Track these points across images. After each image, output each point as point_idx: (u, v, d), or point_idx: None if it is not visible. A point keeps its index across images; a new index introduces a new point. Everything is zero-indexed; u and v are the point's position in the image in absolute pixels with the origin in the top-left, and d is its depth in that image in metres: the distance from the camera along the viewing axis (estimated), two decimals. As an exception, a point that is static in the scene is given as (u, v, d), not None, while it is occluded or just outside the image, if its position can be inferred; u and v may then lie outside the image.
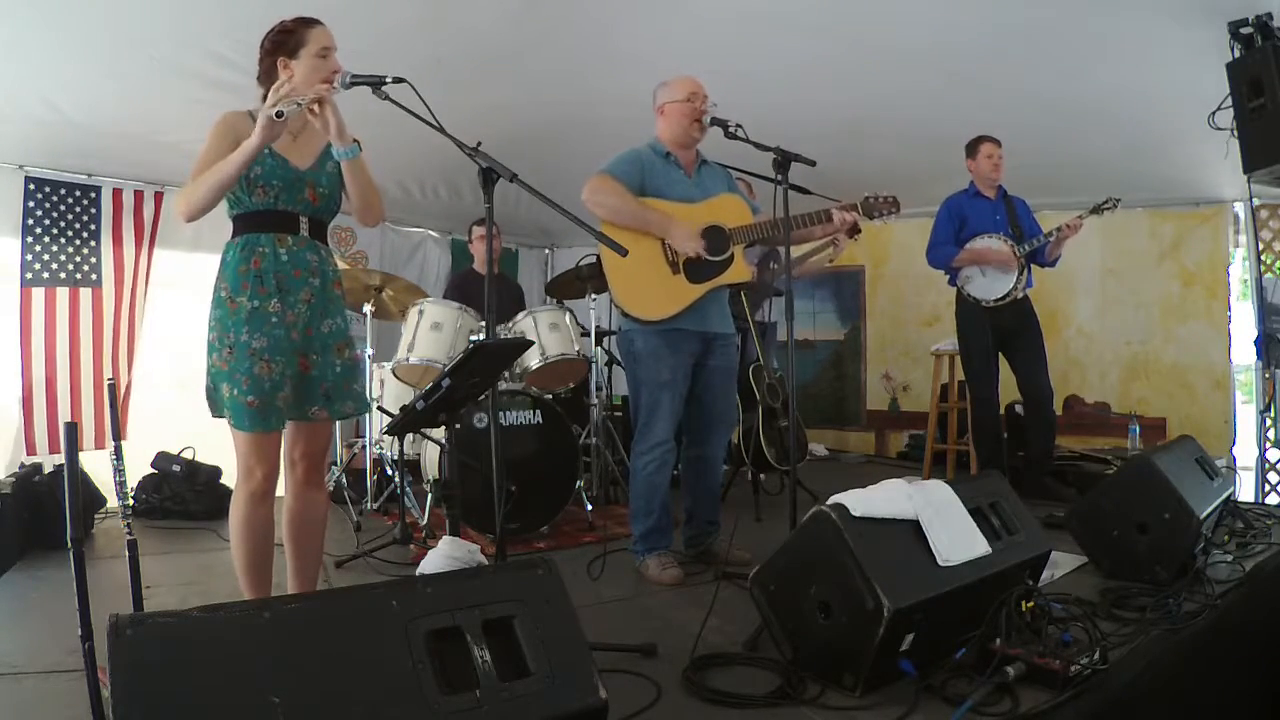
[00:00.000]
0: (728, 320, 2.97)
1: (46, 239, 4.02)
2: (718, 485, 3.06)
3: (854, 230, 4.28)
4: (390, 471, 4.06)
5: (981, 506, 2.05)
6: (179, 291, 4.35)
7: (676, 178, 2.85)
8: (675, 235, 2.72)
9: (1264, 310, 4.15)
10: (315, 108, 1.95)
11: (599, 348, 4.30)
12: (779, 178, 2.59)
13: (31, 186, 4.00)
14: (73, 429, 1.63)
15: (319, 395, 2.09)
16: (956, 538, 1.90)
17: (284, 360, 2.01)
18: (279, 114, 1.84)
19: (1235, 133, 3.39)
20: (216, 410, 2.06)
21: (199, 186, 1.93)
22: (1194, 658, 2.00)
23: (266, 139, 1.90)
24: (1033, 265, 4.03)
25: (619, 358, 4.25)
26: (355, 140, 2.05)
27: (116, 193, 4.26)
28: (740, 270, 2.83)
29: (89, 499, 3.59)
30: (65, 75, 3.35)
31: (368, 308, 4.03)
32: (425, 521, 3.56)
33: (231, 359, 1.97)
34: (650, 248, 2.75)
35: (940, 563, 1.83)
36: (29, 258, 3.97)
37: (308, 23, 2.06)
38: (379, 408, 3.91)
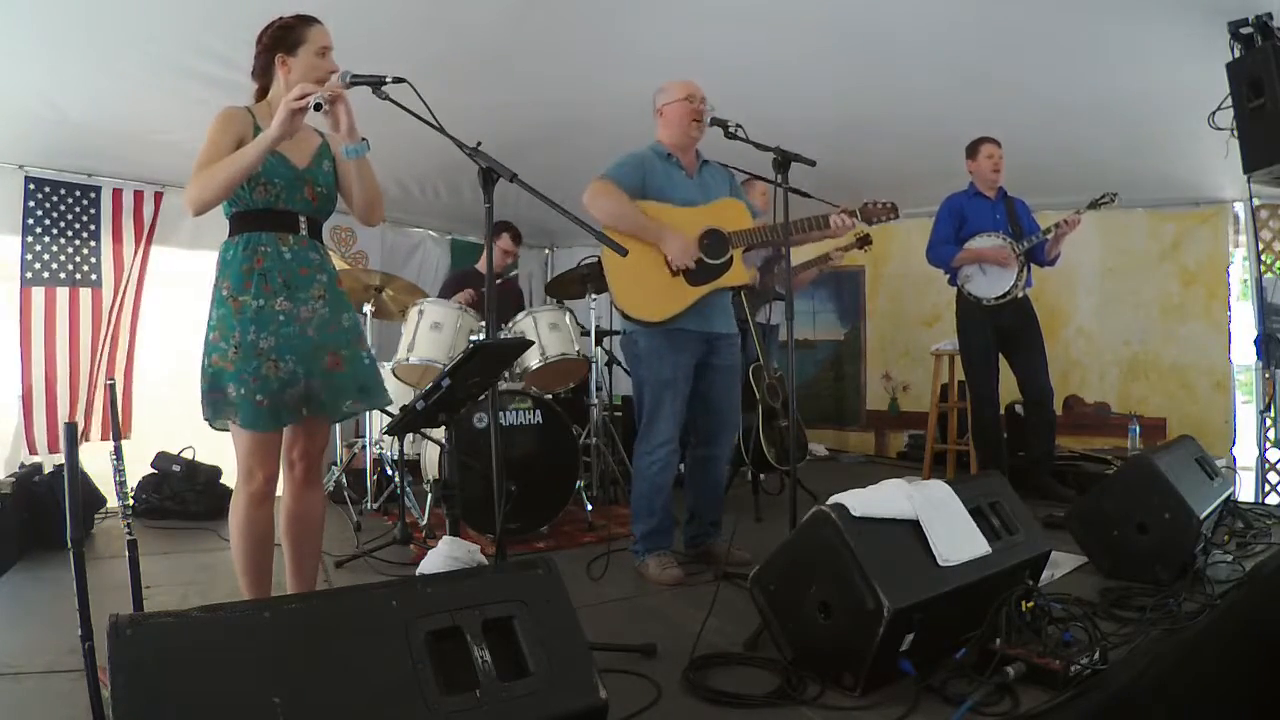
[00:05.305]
0: (730, 320, 2.98)
1: (46, 239, 4.02)
2: (722, 486, 3.07)
3: (864, 241, 4.36)
4: (390, 471, 4.06)
5: (981, 506, 2.05)
6: (178, 291, 4.35)
7: (679, 179, 2.85)
8: (670, 247, 2.72)
9: (1264, 310, 4.14)
10: (328, 104, 1.94)
11: (599, 348, 4.30)
12: (779, 178, 2.60)
13: (31, 186, 4.00)
14: (73, 429, 1.63)
15: (354, 390, 2.10)
16: (956, 538, 1.90)
17: (295, 359, 2.00)
18: (317, 106, 1.84)
19: (1235, 133, 3.39)
20: (210, 411, 2.02)
21: (213, 177, 1.89)
22: (1194, 658, 2.00)
23: (289, 130, 1.87)
24: (1033, 265, 4.03)
25: (621, 358, 4.25)
26: (364, 138, 2.04)
27: (116, 193, 4.25)
28: (739, 274, 2.84)
29: (89, 499, 3.59)
30: (65, 75, 3.35)
31: (368, 308, 4.03)
32: (425, 521, 3.56)
33: (238, 358, 1.95)
34: (650, 250, 2.75)
35: (940, 563, 1.83)
36: (29, 257, 3.98)
37: (308, 21, 2.06)
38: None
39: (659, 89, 2.90)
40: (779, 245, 2.70)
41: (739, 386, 3.07)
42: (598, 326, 4.21)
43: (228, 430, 2.05)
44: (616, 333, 3.63)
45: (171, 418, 4.17)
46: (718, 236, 2.80)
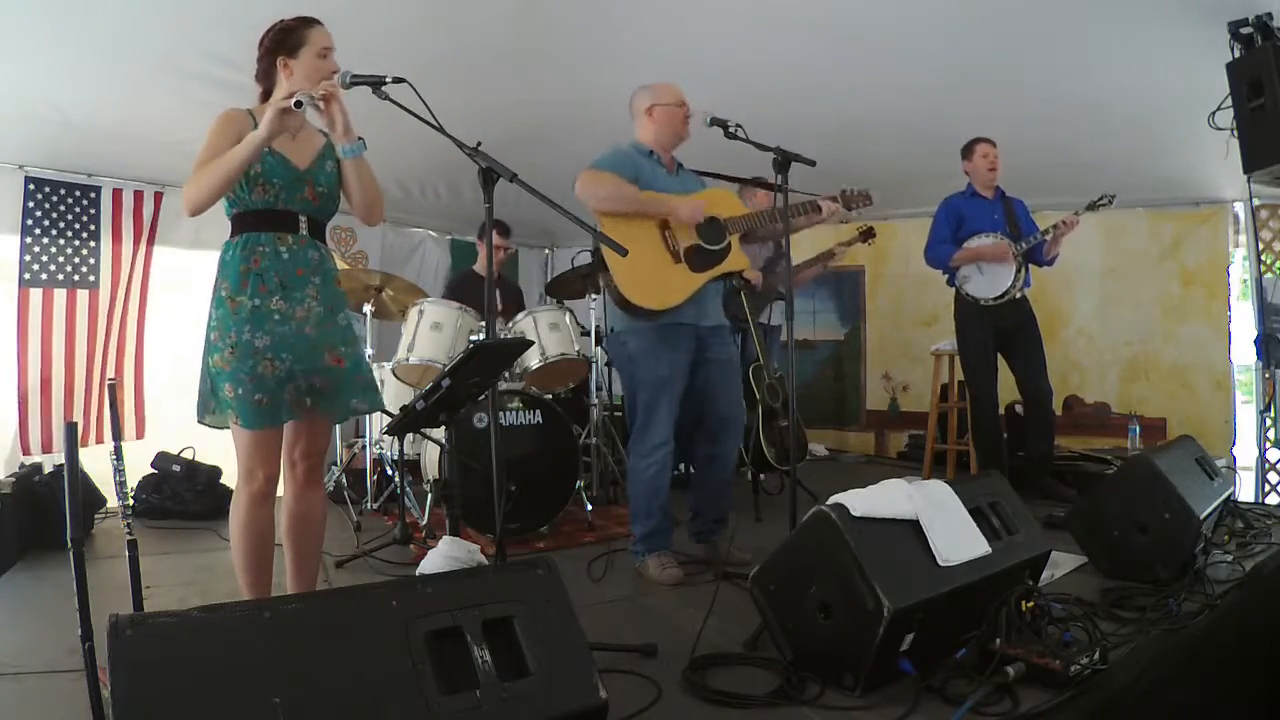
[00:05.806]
0: (720, 312, 2.99)
1: (45, 239, 4.02)
2: (729, 484, 3.06)
3: (868, 235, 4.39)
4: (390, 471, 4.06)
5: (981, 506, 2.05)
6: (178, 291, 4.35)
7: (661, 174, 2.88)
8: (678, 209, 2.76)
9: (1264, 310, 4.14)
10: (321, 104, 1.95)
11: (599, 348, 4.30)
12: (779, 178, 2.63)
13: (31, 186, 3.99)
14: (73, 429, 1.63)
15: (359, 388, 2.12)
16: (956, 538, 1.90)
17: (292, 357, 2.00)
18: (297, 104, 1.85)
19: (1235, 133, 3.39)
20: (206, 413, 2.04)
21: (206, 178, 1.91)
22: (1194, 658, 2.00)
23: (276, 131, 1.89)
24: (1031, 265, 4.03)
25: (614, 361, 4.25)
26: (360, 138, 2.05)
27: (116, 193, 4.25)
28: (738, 259, 2.88)
29: (89, 499, 3.59)
30: (65, 75, 3.34)
31: (368, 308, 4.02)
32: (425, 521, 3.56)
33: (234, 359, 1.96)
34: (651, 238, 2.77)
35: (940, 563, 1.83)
36: (27, 258, 3.97)
37: (308, 22, 2.07)
38: (379, 408, 3.92)
39: (643, 89, 2.91)
40: (774, 237, 2.73)
41: (739, 380, 3.06)
42: (598, 327, 4.21)
43: (216, 426, 2.05)
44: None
45: (171, 418, 4.18)
46: (714, 223, 2.83)
